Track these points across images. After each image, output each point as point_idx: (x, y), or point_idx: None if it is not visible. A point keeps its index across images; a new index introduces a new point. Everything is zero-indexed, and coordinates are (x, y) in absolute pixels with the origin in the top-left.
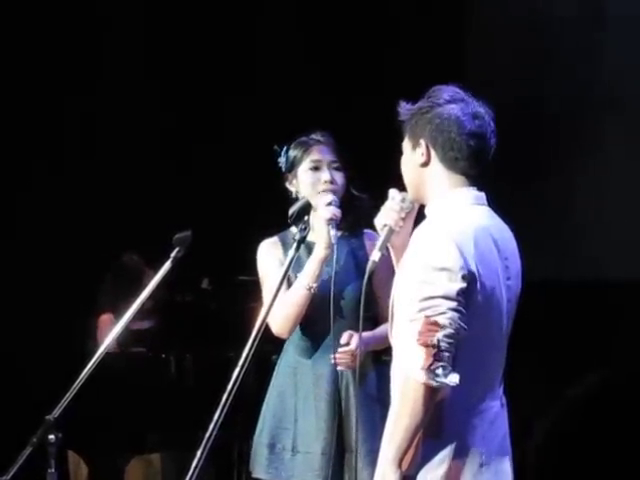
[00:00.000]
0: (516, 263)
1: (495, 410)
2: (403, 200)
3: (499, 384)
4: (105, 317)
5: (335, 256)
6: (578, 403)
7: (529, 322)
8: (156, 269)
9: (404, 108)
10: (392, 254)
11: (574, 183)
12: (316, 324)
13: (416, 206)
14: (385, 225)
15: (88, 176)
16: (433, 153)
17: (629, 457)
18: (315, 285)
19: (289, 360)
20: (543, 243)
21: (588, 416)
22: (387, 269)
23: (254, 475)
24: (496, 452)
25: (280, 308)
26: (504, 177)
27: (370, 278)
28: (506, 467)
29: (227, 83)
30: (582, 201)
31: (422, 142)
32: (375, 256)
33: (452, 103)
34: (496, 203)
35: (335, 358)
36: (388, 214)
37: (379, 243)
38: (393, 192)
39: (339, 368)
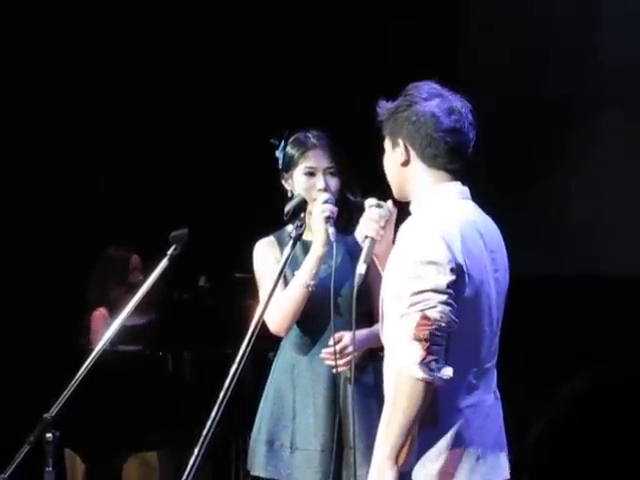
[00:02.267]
0: (503, 256)
1: (489, 403)
2: (380, 207)
3: (492, 377)
4: (98, 313)
5: (334, 253)
6: (573, 401)
7: (526, 319)
8: (152, 265)
9: (383, 107)
10: (377, 263)
11: (572, 182)
12: (313, 321)
13: (394, 212)
14: (367, 237)
15: (87, 173)
16: (412, 151)
17: (623, 455)
18: (313, 283)
19: (286, 357)
20: (541, 241)
21: (583, 414)
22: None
23: (253, 473)
24: (492, 446)
25: (277, 306)
26: (503, 176)
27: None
28: (502, 461)
29: (227, 82)
30: (579, 200)
31: (400, 141)
32: (361, 269)
33: (428, 100)
34: (495, 202)
35: (335, 360)
36: (368, 225)
37: (363, 255)
38: (370, 201)
39: (338, 369)
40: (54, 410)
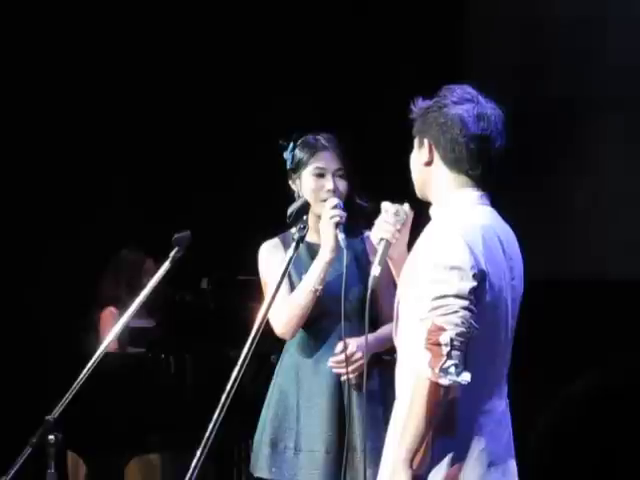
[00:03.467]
0: (519, 264)
1: (502, 409)
2: (397, 212)
3: (504, 384)
4: (107, 312)
5: (345, 257)
6: (576, 402)
7: (531, 323)
8: (157, 264)
9: (417, 106)
10: (391, 266)
11: (573, 183)
12: (319, 324)
13: (410, 216)
14: (382, 239)
15: (89, 172)
16: (436, 153)
17: (628, 456)
18: (320, 288)
19: (291, 359)
20: (543, 242)
21: (587, 415)
22: (386, 270)
23: (256, 475)
24: (503, 452)
25: (284, 310)
26: (505, 177)
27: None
28: (512, 467)
29: (228, 82)
30: (581, 200)
31: (426, 141)
32: (375, 271)
33: (458, 104)
34: (497, 204)
35: (346, 367)
36: (383, 227)
37: (377, 257)
38: (386, 205)
39: (343, 378)
40: (56, 412)
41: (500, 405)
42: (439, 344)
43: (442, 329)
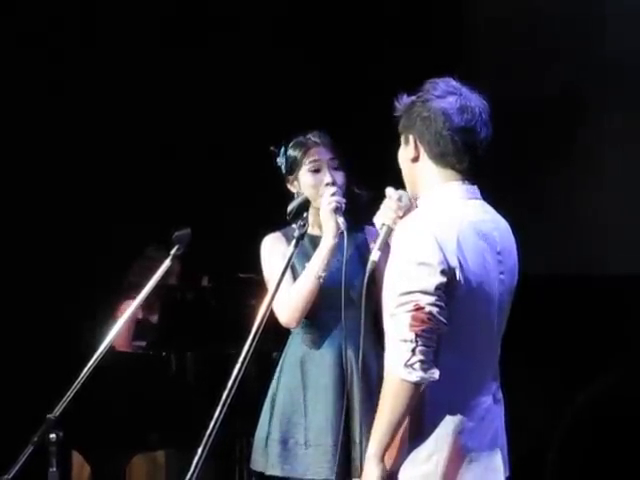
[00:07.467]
0: (510, 257)
1: (486, 406)
2: (400, 198)
3: (492, 379)
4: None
5: (345, 244)
6: (592, 404)
7: (529, 319)
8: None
9: (401, 102)
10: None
11: (576, 181)
12: (323, 317)
13: (414, 203)
14: (383, 224)
15: (87, 173)
16: (421, 148)
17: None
18: (324, 274)
19: (296, 354)
20: (544, 240)
21: (600, 421)
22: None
23: (268, 472)
24: (486, 448)
25: (289, 298)
26: (503, 175)
27: (372, 273)
28: (497, 463)
29: (227, 82)
30: (581, 198)
31: (411, 138)
32: (375, 256)
33: (441, 97)
34: (498, 202)
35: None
36: (386, 213)
37: (378, 242)
38: (390, 191)
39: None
40: (58, 410)
41: (485, 401)
42: (405, 340)
43: (408, 325)
